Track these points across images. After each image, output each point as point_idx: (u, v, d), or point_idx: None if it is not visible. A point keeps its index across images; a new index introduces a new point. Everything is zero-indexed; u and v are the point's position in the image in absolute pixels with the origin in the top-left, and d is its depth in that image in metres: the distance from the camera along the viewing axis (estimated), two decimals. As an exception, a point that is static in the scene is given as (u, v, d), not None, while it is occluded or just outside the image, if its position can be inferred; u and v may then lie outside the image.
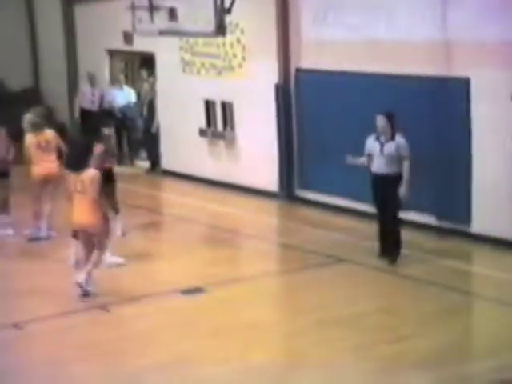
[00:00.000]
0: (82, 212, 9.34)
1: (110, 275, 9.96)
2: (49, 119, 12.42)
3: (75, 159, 9.47)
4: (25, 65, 19.03)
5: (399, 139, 10.29)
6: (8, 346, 8.34)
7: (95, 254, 9.44)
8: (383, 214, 10.41)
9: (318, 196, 13.18)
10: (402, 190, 10.17)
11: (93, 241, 9.44)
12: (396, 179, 10.19)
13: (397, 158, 10.21)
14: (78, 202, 9.39)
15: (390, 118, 10.27)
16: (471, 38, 10.90)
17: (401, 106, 11.69)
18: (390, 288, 9.70)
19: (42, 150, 11.64)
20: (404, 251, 10.68)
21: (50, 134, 11.73)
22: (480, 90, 10.91)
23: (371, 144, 10.39)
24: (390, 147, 10.22)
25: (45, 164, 11.63)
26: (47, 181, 11.70)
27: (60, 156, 11.79)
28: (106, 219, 9.57)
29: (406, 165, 10.20)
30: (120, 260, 10.19)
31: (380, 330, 8.40)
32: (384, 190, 10.22)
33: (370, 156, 10.41)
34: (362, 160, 10.51)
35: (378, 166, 10.28)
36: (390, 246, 10.38)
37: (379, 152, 10.25)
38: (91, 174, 9.30)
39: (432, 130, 11.48)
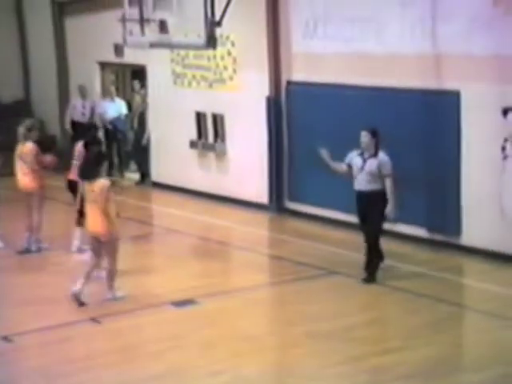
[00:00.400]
0: (94, 221, 9.50)
1: (101, 287, 9.91)
2: (40, 131, 12.30)
3: (87, 169, 9.66)
4: (16, 77, 18.99)
5: (382, 156, 10.08)
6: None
7: (108, 264, 9.57)
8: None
9: (309, 208, 13.18)
10: (389, 209, 9.96)
11: (102, 249, 9.55)
12: (379, 196, 10.00)
13: (379, 175, 10.03)
14: (89, 211, 9.57)
15: (374, 134, 10.10)
16: (461, 51, 10.96)
17: (391, 119, 11.74)
18: (380, 300, 9.70)
19: (20, 162, 11.65)
20: (395, 263, 10.70)
21: (27, 146, 11.64)
22: (470, 103, 10.96)
23: (353, 157, 10.20)
24: (372, 164, 10.03)
25: (20, 176, 11.67)
26: (28, 193, 11.65)
27: (34, 170, 11.59)
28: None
29: (388, 182, 9.99)
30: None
31: (370, 342, 8.40)
32: (366, 207, 10.05)
33: (349, 167, 10.22)
34: (343, 167, 10.25)
35: (360, 182, 10.10)
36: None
37: (360, 168, 10.07)
38: (101, 183, 9.46)
39: (422, 142, 11.52)
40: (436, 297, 9.57)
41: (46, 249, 11.67)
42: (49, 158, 11.78)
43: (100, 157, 9.85)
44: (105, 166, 9.65)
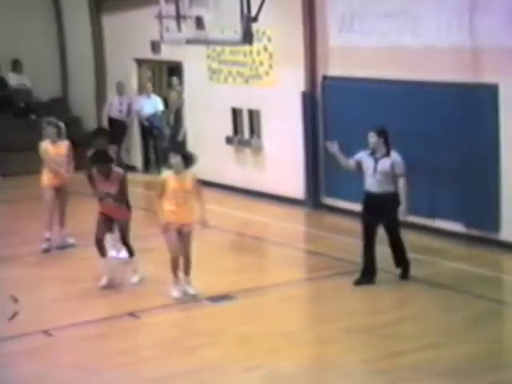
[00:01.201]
0: None
1: (138, 282, 9.99)
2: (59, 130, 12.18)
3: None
4: (53, 74, 19.16)
5: (395, 156, 9.78)
6: (37, 352, 8.34)
7: None
8: (371, 233, 9.83)
9: (345, 203, 13.12)
10: (402, 210, 9.65)
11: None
12: (391, 198, 9.68)
13: (392, 176, 9.71)
14: None
15: (380, 134, 9.79)
16: (500, 44, 10.82)
17: (428, 114, 11.66)
18: (416, 296, 9.62)
19: None
20: (431, 259, 10.64)
21: (41, 144, 11.76)
22: (509, 96, 10.83)
23: (364, 158, 9.89)
24: (385, 164, 9.72)
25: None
26: (45, 190, 11.73)
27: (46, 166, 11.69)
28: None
29: (401, 183, 9.67)
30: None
31: (407, 339, 8.34)
32: (378, 210, 9.70)
33: (357, 165, 9.93)
34: (350, 162, 9.98)
35: (372, 184, 9.76)
36: (372, 266, 9.88)
37: (373, 169, 9.75)
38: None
39: (460, 137, 11.41)
40: (474, 293, 9.49)
41: (72, 245, 11.73)
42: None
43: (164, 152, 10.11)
44: (169, 160, 9.79)
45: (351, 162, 10.09)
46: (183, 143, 16.20)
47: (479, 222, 11.37)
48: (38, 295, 10.00)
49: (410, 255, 10.89)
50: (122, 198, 10.17)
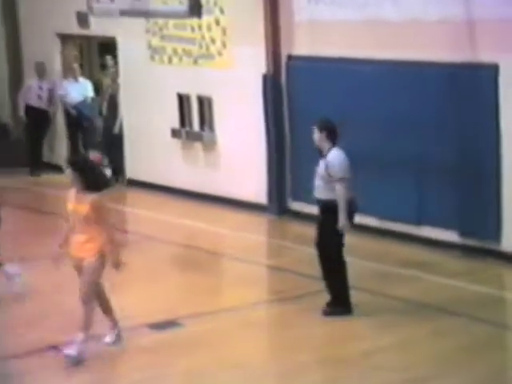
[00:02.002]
0: None
1: (63, 309, 9.93)
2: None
3: None
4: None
5: (331, 156, 9.55)
6: None
7: None
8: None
9: (315, 209, 13.16)
10: (341, 220, 9.52)
11: None
12: (333, 207, 9.58)
13: (330, 180, 9.59)
14: None
15: (321, 128, 9.72)
16: (500, 17, 10.96)
17: (414, 99, 11.78)
18: (404, 319, 9.69)
19: None
20: (421, 274, 10.74)
21: None
22: (510, 77, 10.96)
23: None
24: (321, 166, 9.67)
25: None
26: None
27: None
28: None
29: (337, 189, 9.52)
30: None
31: (393, 369, 8.39)
32: (319, 221, 9.76)
33: None
34: None
35: (315, 188, 9.79)
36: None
37: (316, 171, 9.76)
38: None
39: (454, 127, 11.54)
40: (470, 315, 9.60)
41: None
42: None
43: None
44: None
45: None
46: (119, 137, 16.18)
47: (477, 230, 11.50)
48: None
49: (394, 270, 11.02)
50: None
